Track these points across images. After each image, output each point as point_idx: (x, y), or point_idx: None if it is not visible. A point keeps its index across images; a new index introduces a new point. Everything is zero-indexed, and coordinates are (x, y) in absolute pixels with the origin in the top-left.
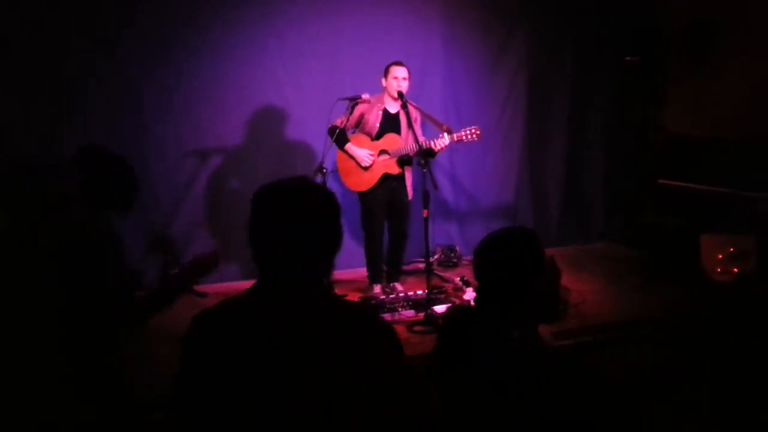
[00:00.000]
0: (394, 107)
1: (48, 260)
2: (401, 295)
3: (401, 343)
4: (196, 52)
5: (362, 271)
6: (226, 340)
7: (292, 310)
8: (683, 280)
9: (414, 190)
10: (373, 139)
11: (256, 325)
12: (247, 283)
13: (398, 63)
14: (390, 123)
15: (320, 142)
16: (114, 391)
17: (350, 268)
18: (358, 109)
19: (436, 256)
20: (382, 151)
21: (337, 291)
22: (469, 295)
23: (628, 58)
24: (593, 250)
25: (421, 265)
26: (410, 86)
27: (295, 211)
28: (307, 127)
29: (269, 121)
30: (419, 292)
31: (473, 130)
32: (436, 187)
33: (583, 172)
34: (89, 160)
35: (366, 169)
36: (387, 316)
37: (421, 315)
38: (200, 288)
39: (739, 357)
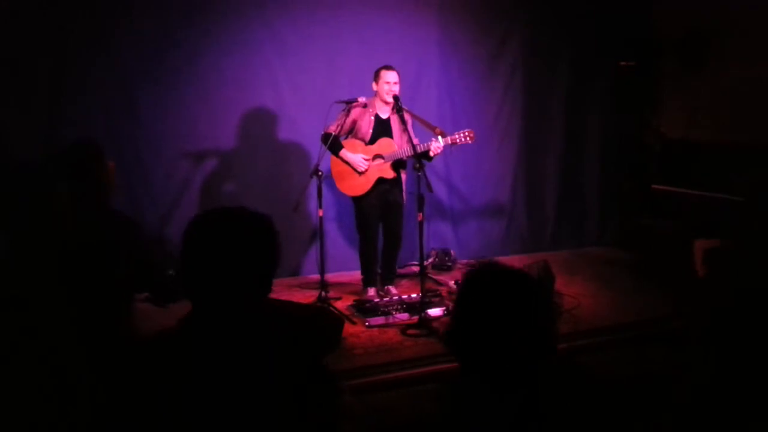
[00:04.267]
0: (384, 112)
1: (65, 261)
2: (395, 298)
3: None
4: (194, 53)
5: (356, 274)
6: (161, 378)
7: (226, 341)
8: (677, 284)
9: (408, 193)
10: (366, 144)
11: (192, 359)
12: None
13: (388, 67)
14: (382, 128)
15: (316, 145)
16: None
17: (345, 271)
18: (353, 114)
19: (430, 260)
20: (377, 156)
21: (332, 294)
22: None
23: (622, 63)
24: (588, 253)
25: (416, 269)
26: (406, 85)
27: (227, 241)
28: (303, 129)
29: (266, 122)
30: (413, 295)
31: (467, 133)
32: (430, 189)
33: (578, 176)
34: (76, 156)
35: (361, 173)
36: (381, 319)
37: (415, 318)
38: None
39: (736, 359)
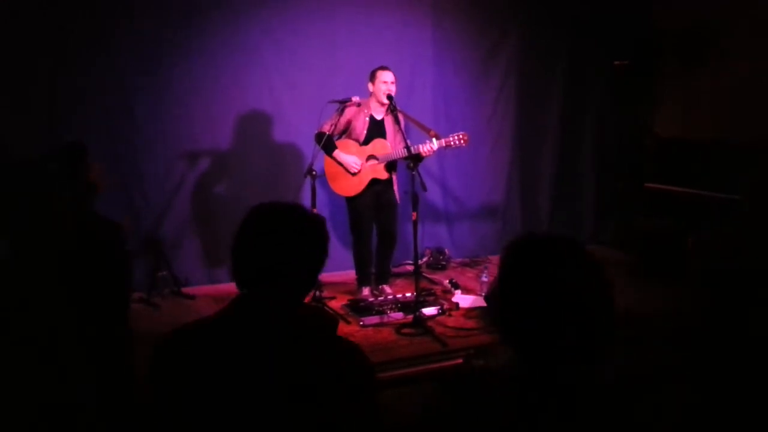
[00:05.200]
0: (379, 113)
1: (59, 258)
2: (390, 297)
3: (372, 372)
4: (189, 53)
5: (351, 274)
6: (194, 366)
7: (267, 332)
8: (673, 282)
9: (403, 192)
10: (360, 145)
11: (228, 346)
12: None
13: (385, 68)
14: (376, 128)
15: (311, 145)
16: (125, 387)
17: (339, 271)
18: (347, 114)
19: (424, 259)
20: (371, 157)
21: (326, 293)
22: (458, 297)
23: (617, 63)
24: None
25: (410, 268)
26: (398, 88)
27: (287, 230)
28: (298, 129)
29: (261, 121)
30: (408, 294)
31: (461, 136)
32: (424, 188)
33: (573, 175)
34: (69, 154)
35: (354, 174)
36: (375, 319)
37: (410, 317)
38: (188, 290)
39: (730, 357)
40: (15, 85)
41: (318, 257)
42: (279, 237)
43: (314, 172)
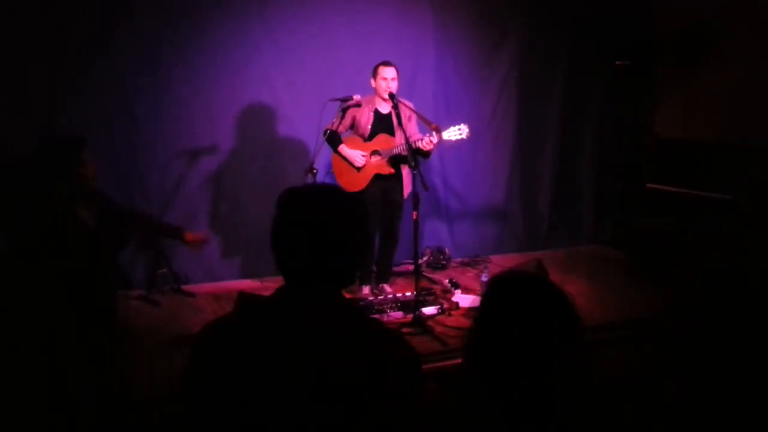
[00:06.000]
0: (385, 107)
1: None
2: (390, 296)
3: (419, 364)
4: (189, 52)
5: None
6: (238, 350)
7: (310, 320)
8: (672, 282)
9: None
10: (365, 140)
11: (271, 334)
12: (241, 283)
13: (386, 63)
14: (382, 123)
15: (312, 142)
16: (111, 387)
17: None
18: (350, 113)
19: (425, 258)
20: (375, 152)
21: None
22: (458, 297)
23: (618, 63)
24: (582, 252)
25: (410, 267)
26: (401, 84)
27: (324, 213)
28: (299, 126)
29: (261, 120)
30: (408, 293)
31: (462, 128)
32: (426, 188)
33: (574, 175)
34: (59, 148)
35: (359, 170)
36: (375, 318)
37: (410, 317)
38: (188, 288)
39: (727, 356)
40: (15, 85)
41: (363, 241)
42: (328, 223)
43: (315, 170)
